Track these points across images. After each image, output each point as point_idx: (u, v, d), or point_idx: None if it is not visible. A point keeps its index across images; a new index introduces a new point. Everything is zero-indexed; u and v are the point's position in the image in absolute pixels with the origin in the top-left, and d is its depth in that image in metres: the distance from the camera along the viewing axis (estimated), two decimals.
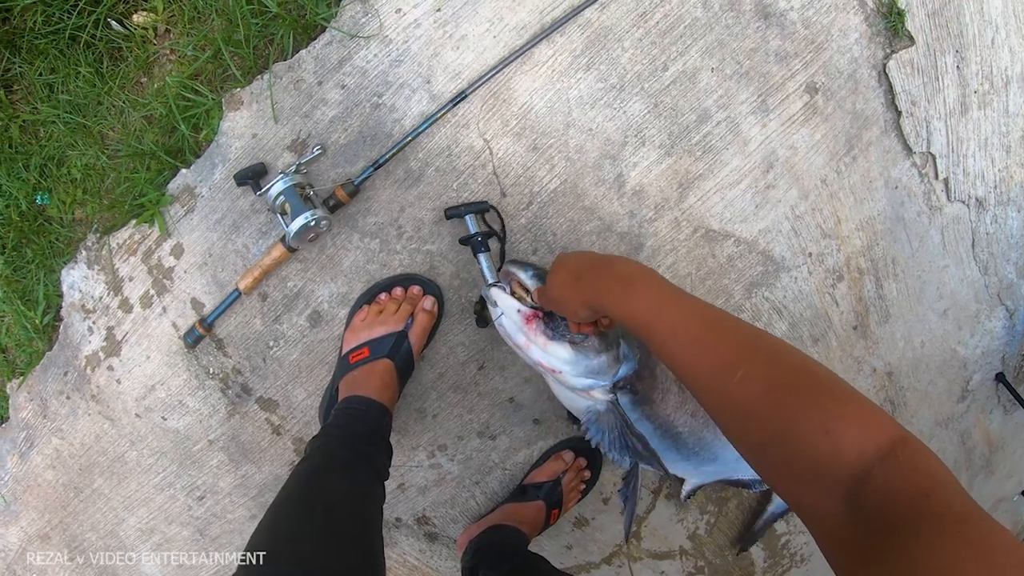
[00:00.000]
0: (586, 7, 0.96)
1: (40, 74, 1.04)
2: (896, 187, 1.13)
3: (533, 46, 0.96)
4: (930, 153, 1.13)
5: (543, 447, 1.21)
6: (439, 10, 0.95)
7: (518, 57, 0.96)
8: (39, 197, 1.08)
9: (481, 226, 1.00)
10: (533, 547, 1.19)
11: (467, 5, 0.95)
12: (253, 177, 0.96)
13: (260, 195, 0.94)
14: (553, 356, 0.88)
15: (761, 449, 0.57)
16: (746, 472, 1.18)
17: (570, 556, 1.32)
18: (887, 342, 1.25)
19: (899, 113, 1.10)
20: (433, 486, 1.21)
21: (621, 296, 0.70)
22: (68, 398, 1.13)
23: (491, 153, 1.01)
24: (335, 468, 0.83)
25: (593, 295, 0.74)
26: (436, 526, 1.26)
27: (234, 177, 0.96)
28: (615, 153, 1.03)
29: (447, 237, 1.03)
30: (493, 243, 1.03)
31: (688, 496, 1.21)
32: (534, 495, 1.16)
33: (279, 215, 0.95)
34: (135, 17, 1.05)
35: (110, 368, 1.09)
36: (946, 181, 1.15)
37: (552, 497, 1.17)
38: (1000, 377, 1.41)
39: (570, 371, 0.89)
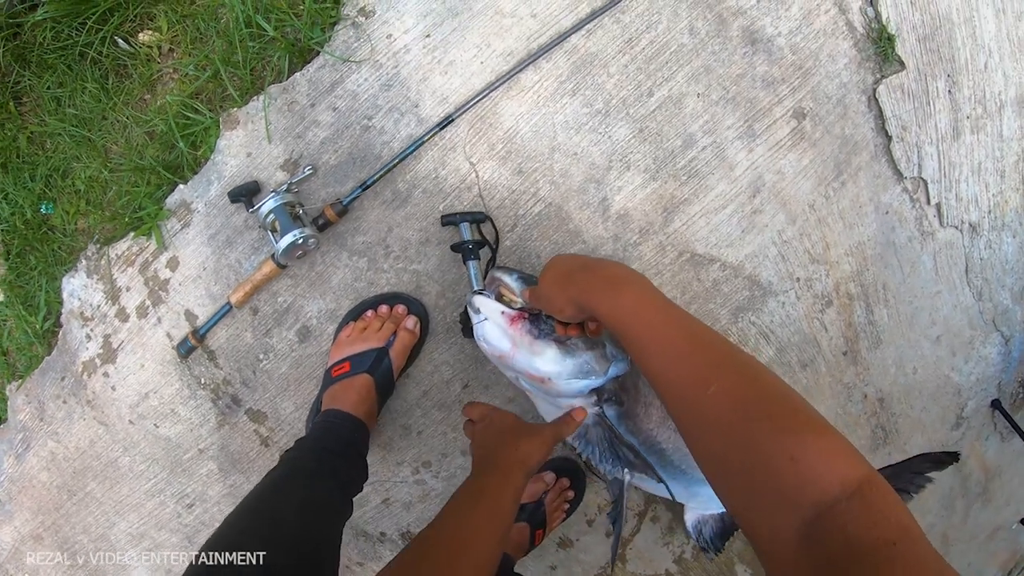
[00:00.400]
0: (572, 34, 0.98)
1: (48, 88, 1.09)
2: (887, 212, 1.13)
3: (520, 72, 0.98)
4: (921, 178, 1.12)
5: None
6: (428, 36, 0.97)
7: (504, 82, 0.98)
8: (44, 206, 1.12)
9: (475, 235, 1.01)
10: (518, 568, 1.20)
11: (455, 32, 0.97)
12: (246, 195, 0.99)
13: (252, 212, 0.97)
14: (539, 357, 0.89)
15: (724, 467, 0.57)
16: None
17: None
18: (878, 368, 1.24)
19: (889, 138, 1.10)
20: (418, 502, 1.22)
21: (606, 296, 0.71)
22: (65, 402, 1.16)
23: (477, 176, 1.02)
24: (298, 479, 0.84)
25: (580, 293, 0.74)
26: None
27: (228, 194, 0.99)
28: (600, 177, 1.05)
29: (433, 258, 1.05)
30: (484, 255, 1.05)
31: (697, 533, 1.19)
32: (517, 517, 1.16)
33: (269, 232, 0.98)
34: (141, 36, 1.10)
35: (106, 375, 1.13)
36: (938, 206, 1.15)
37: (535, 518, 1.17)
38: (996, 404, 1.39)
39: (559, 372, 0.90)
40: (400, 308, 1.06)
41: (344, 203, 0.99)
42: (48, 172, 1.11)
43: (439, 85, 0.99)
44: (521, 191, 1.04)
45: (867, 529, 0.46)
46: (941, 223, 1.18)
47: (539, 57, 0.98)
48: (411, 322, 1.06)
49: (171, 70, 1.10)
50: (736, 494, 0.57)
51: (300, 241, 0.94)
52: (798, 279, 1.15)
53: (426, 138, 0.98)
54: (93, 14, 1.03)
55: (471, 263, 0.98)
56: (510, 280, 0.92)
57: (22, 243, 1.13)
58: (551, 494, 1.19)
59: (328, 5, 0.99)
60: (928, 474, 1.10)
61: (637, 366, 0.72)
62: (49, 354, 1.16)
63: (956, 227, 1.20)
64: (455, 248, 1.00)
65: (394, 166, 0.98)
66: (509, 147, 1.02)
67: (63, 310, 1.12)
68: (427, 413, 1.15)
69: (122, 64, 1.09)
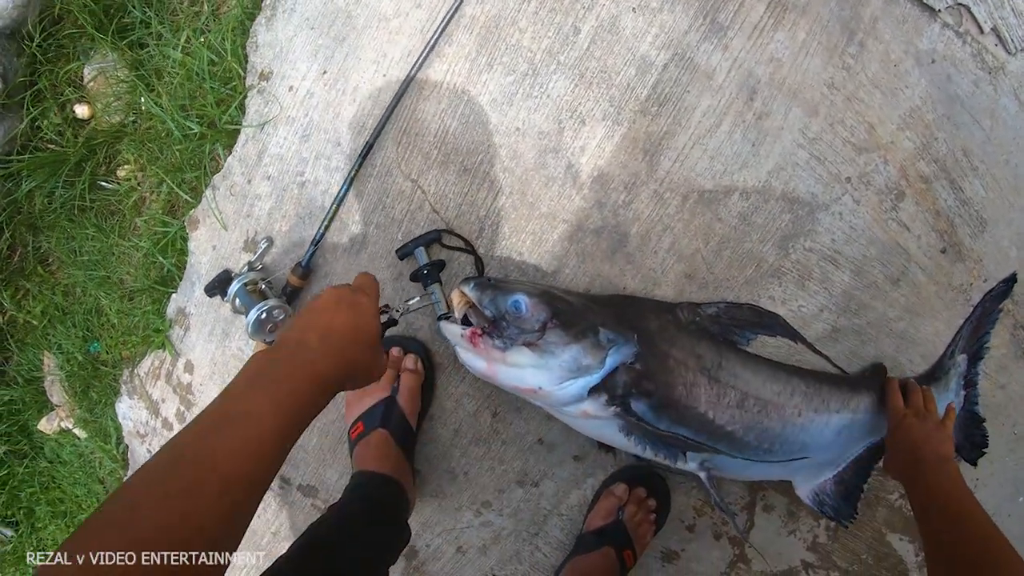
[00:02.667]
0: (462, 3, 0.87)
1: (61, 243, 1.20)
2: (932, 61, 0.85)
3: (423, 67, 0.89)
4: (960, 4, 0.83)
5: (594, 484, 1.07)
6: (325, 72, 0.92)
7: (409, 85, 0.89)
8: (92, 346, 1.23)
9: (430, 258, 0.93)
10: None
11: (349, 57, 0.91)
12: (219, 286, 0.99)
13: (226, 301, 0.98)
14: (518, 369, 0.78)
15: None
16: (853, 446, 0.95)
17: None
18: (992, 255, 0.93)
19: None
20: (491, 544, 1.13)
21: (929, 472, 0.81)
22: None
23: (423, 192, 0.94)
24: (317, 553, 0.80)
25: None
26: None
27: (204, 290, 1.01)
28: (555, 144, 0.91)
29: (412, 290, 0.98)
30: (453, 267, 0.96)
31: (820, 504, 0.99)
32: (596, 543, 1.02)
33: (244, 315, 0.97)
34: (119, 172, 1.18)
35: None
36: (995, 31, 0.84)
37: (617, 538, 1.02)
38: None
39: (546, 381, 0.78)
40: (395, 351, 1.00)
41: (304, 265, 0.96)
42: (84, 316, 1.23)
43: (352, 115, 0.93)
44: (474, 191, 0.93)
45: None
46: (1007, 50, 0.86)
47: (437, 43, 0.88)
48: (410, 361, 0.99)
49: (149, 192, 1.16)
50: None
51: (264, 316, 0.92)
52: (848, 179, 0.90)
53: (353, 172, 0.92)
54: (68, 170, 1.12)
55: (433, 287, 0.89)
56: (468, 290, 0.82)
57: (83, 383, 1.25)
58: (628, 508, 1.03)
59: (235, 84, 0.98)
60: None
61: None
62: (127, 474, 1.26)
63: None
64: (413, 277, 0.92)
65: (334, 214, 0.93)
66: (444, 149, 0.92)
67: (124, 432, 1.21)
68: (466, 452, 1.06)
69: (109, 202, 1.18)
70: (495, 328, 0.77)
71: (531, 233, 0.94)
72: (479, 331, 0.78)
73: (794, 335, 0.93)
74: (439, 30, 0.86)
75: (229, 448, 0.45)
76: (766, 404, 0.89)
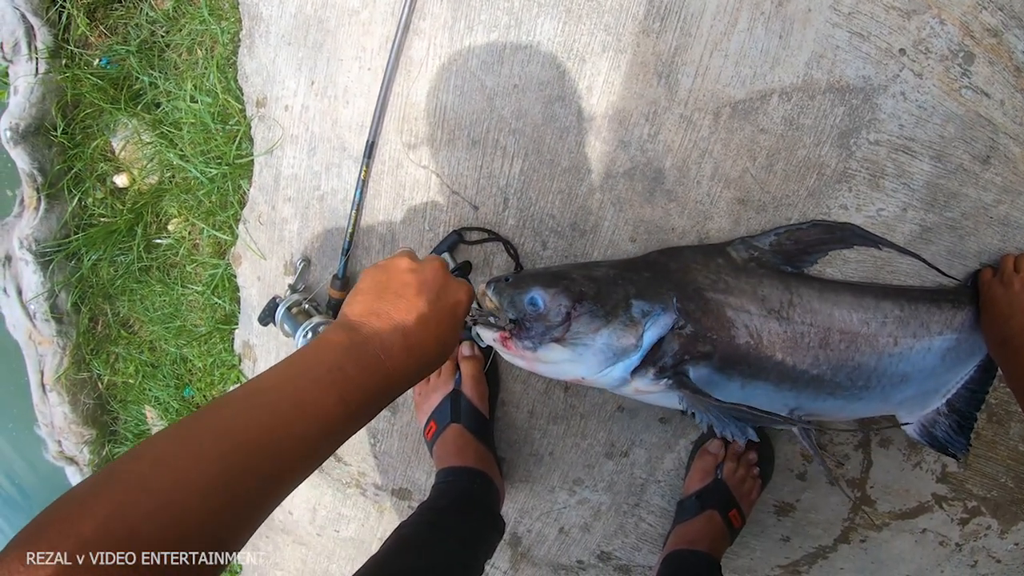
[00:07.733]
0: None
1: (136, 304, 1.28)
2: None
3: (402, 50, 0.85)
4: None
5: (687, 445, 1.00)
6: (313, 83, 0.90)
7: (395, 71, 0.85)
8: (187, 391, 1.31)
9: (456, 260, 0.91)
10: (744, 554, 0.99)
11: (331, 61, 0.89)
12: (269, 314, 1.01)
13: (277, 328, 1.00)
14: (555, 364, 0.74)
15: None
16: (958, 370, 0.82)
17: (793, 548, 1.05)
18: None
19: None
20: (593, 520, 1.09)
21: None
22: (268, 537, 1.32)
23: (438, 176, 0.90)
24: (407, 552, 0.80)
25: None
26: (621, 558, 1.12)
27: (258, 321, 1.04)
28: (559, 92, 0.84)
29: None
30: (491, 255, 0.92)
31: (931, 439, 0.88)
32: (698, 507, 0.96)
33: (292, 337, 0.99)
34: (170, 227, 1.24)
35: (279, 505, 1.26)
36: None
37: (719, 499, 0.95)
38: None
39: (585, 371, 0.74)
40: None
41: (340, 276, 0.96)
42: (171, 366, 1.31)
43: (350, 118, 0.90)
44: (489, 161, 0.89)
45: None
46: None
47: (410, 20, 0.83)
48: (466, 348, 0.98)
49: (198, 238, 1.21)
50: None
51: (308, 335, 0.93)
52: (902, 51, 0.76)
53: (361, 174, 0.90)
54: (121, 237, 1.19)
55: None
56: (490, 293, 0.78)
57: None
58: (727, 465, 0.96)
59: (237, 120, 0.99)
60: None
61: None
62: None
63: None
64: None
65: (355, 220, 0.92)
66: (447, 126, 0.88)
67: None
68: (546, 432, 1.03)
69: (167, 257, 1.24)
70: (520, 329, 0.73)
71: (558, 192, 0.88)
72: (506, 336, 0.74)
73: (875, 240, 0.81)
74: (406, 7, 0.81)
75: (291, 442, 0.44)
76: (855, 337, 0.79)
